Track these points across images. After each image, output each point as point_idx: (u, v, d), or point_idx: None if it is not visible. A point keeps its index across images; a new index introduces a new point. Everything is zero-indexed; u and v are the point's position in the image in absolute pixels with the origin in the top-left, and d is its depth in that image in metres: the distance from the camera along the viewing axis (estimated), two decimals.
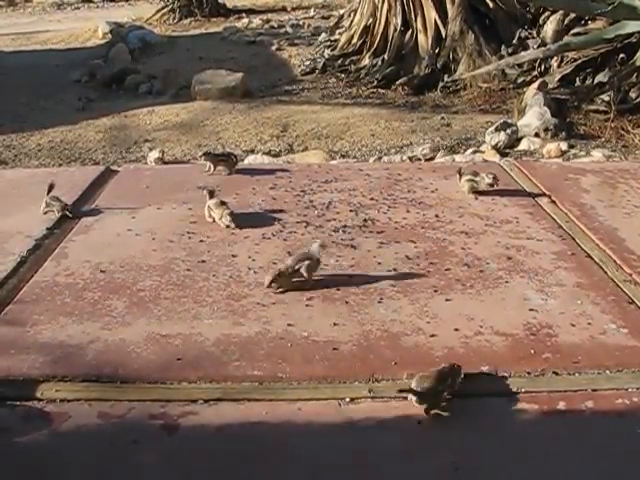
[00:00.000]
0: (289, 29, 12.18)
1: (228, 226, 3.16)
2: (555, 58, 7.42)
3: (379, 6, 8.59)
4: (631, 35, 6.67)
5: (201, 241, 3.06)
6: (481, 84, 7.63)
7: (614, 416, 1.97)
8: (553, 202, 3.42)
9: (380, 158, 5.74)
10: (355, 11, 9.29)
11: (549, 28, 7.87)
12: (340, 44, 9.25)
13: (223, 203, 3.25)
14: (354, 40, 9.00)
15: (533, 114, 6.28)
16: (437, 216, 3.28)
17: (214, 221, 3.22)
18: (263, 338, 2.34)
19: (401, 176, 3.80)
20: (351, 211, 3.35)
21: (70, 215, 3.27)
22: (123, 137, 6.89)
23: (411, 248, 2.97)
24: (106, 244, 3.04)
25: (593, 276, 2.72)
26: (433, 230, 3.14)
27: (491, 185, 3.46)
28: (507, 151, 5.79)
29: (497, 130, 5.95)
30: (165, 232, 3.15)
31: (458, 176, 3.55)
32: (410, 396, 1.98)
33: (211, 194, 3.29)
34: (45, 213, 3.29)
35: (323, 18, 13.27)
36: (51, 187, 3.34)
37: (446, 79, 7.89)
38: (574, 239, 3.03)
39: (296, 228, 3.18)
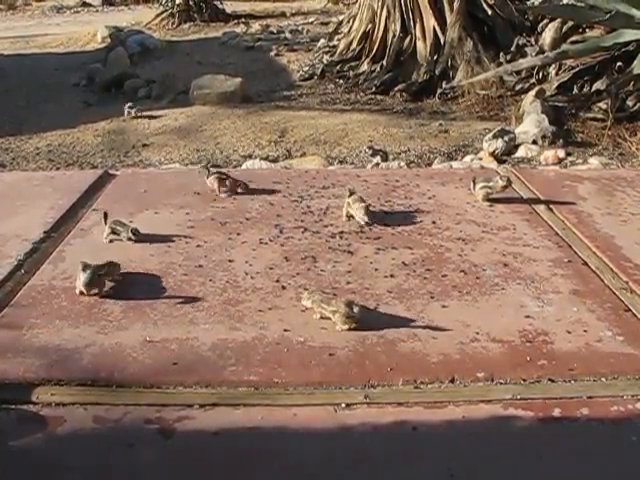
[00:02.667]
0: (288, 35, 12.19)
1: (367, 223, 3.22)
2: (553, 66, 7.43)
3: (378, 12, 8.61)
4: (628, 43, 6.69)
5: (198, 246, 3.06)
6: (479, 91, 7.64)
7: (609, 423, 1.97)
8: (550, 209, 3.43)
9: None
10: (354, 17, 9.30)
11: (547, 36, 7.89)
12: (339, 50, 9.26)
13: (362, 200, 3.29)
14: (353, 46, 9.01)
15: (531, 121, 6.29)
16: (434, 222, 3.29)
17: (349, 219, 3.28)
18: (259, 343, 2.34)
19: (398, 182, 3.81)
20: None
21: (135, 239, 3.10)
22: (121, 141, 6.89)
23: (408, 254, 2.97)
24: (103, 248, 3.04)
25: (589, 284, 2.72)
26: (430, 236, 3.15)
27: (505, 187, 3.47)
28: (505, 158, 5.80)
29: (495, 137, 5.96)
30: (162, 236, 3.15)
31: (472, 184, 3.55)
32: None
33: (351, 192, 3.33)
34: (111, 241, 3.10)
35: (322, 24, 13.28)
36: (106, 215, 3.15)
37: (444, 86, 7.90)
38: (571, 246, 3.04)
39: (293, 233, 3.18)
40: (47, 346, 2.32)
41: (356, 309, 2.41)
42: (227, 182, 3.65)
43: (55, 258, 2.96)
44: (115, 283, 2.71)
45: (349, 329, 2.40)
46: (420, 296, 2.63)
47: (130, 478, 1.82)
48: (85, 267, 2.63)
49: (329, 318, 2.43)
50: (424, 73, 8.05)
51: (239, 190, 3.65)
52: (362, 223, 3.22)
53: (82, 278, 2.62)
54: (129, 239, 3.09)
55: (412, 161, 5.92)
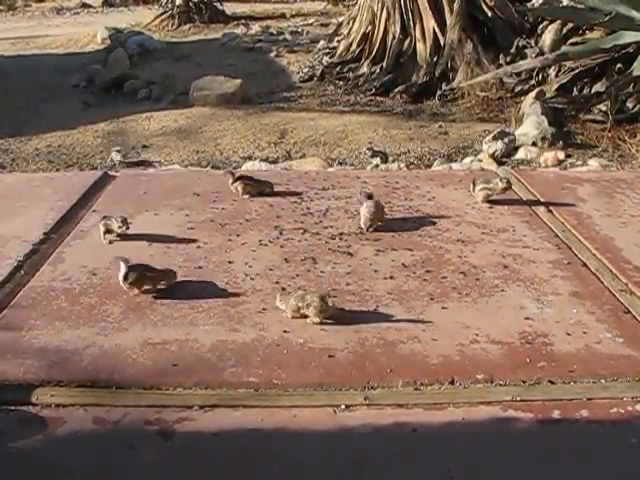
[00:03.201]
0: (288, 36, 12.19)
1: (362, 228, 3.20)
2: (553, 67, 7.43)
3: (378, 14, 8.61)
4: (628, 45, 6.69)
5: (198, 247, 3.06)
6: (479, 93, 7.64)
7: (609, 425, 1.97)
8: (550, 211, 3.43)
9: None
10: (354, 19, 9.30)
11: (547, 37, 7.89)
12: (339, 51, 9.26)
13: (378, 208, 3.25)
14: (353, 48, 9.01)
15: (530, 123, 6.29)
16: (434, 224, 3.29)
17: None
18: (259, 345, 2.34)
19: (398, 184, 3.81)
20: (348, 218, 3.35)
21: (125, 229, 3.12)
22: (121, 142, 6.87)
23: (408, 256, 2.98)
24: (103, 249, 3.04)
25: (589, 285, 2.73)
26: (430, 238, 3.15)
27: (505, 189, 3.48)
28: (504, 160, 5.79)
29: (494, 139, 5.95)
30: (162, 238, 3.15)
31: (472, 186, 3.55)
32: None
33: (369, 196, 3.30)
34: (110, 242, 3.11)
35: (322, 25, 13.29)
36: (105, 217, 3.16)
37: (444, 87, 7.90)
38: (570, 248, 3.04)
39: (293, 235, 3.18)
40: (47, 347, 2.32)
41: (330, 303, 2.44)
42: (253, 188, 3.64)
43: (55, 259, 2.96)
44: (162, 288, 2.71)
45: (321, 322, 2.43)
46: (420, 297, 2.63)
47: (130, 479, 1.82)
48: (130, 265, 2.67)
49: (305, 316, 2.46)
50: (424, 75, 8.05)
51: (266, 191, 3.64)
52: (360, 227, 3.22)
53: (122, 272, 2.66)
54: (119, 228, 3.10)
55: (412, 162, 5.92)
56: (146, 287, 2.68)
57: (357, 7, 9.35)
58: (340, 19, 11.39)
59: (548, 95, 6.96)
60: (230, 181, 3.67)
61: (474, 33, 8.13)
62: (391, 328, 2.42)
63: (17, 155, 6.62)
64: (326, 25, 13.10)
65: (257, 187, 3.64)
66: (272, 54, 10.75)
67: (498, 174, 3.90)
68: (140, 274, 2.67)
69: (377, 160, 5.78)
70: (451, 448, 1.90)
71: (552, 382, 2.16)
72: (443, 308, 2.56)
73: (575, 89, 7.09)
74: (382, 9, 8.53)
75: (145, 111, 7.93)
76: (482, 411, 2.04)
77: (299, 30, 12.78)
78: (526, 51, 7.98)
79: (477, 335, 2.38)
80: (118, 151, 6.05)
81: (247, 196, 3.61)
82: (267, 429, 1.96)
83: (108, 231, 3.13)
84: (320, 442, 1.92)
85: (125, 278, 2.66)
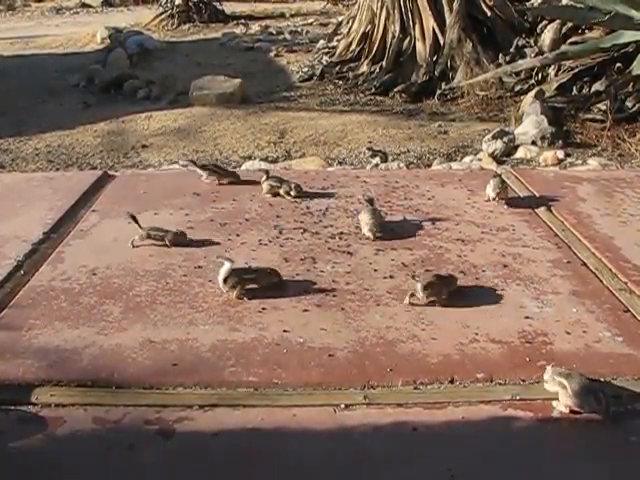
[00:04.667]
0: (287, 36, 12.21)
1: (368, 237, 3.12)
2: (552, 67, 7.45)
3: (377, 13, 8.62)
4: (628, 44, 6.70)
5: (198, 247, 3.06)
6: (478, 92, 7.65)
7: (609, 424, 1.97)
8: (549, 210, 3.43)
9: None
10: (353, 18, 9.31)
11: (547, 37, 7.90)
12: (338, 51, 9.27)
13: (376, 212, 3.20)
14: (352, 47, 9.02)
15: (530, 122, 6.30)
16: (433, 223, 3.29)
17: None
18: (259, 344, 2.34)
19: (398, 183, 3.81)
20: (348, 218, 3.36)
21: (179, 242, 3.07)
22: (121, 142, 6.89)
23: (407, 255, 2.97)
24: (103, 249, 3.04)
25: (589, 284, 2.73)
26: (429, 237, 3.15)
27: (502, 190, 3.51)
28: (504, 159, 5.80)
29: (494, 138, 5.96)
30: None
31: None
32: None
33: (370, 202, 3.27)
34: (135, 247, 3.05)
35: (322, 25, 13.31)
36: (134, 217, 3.09)
37: (444, 87, 7.91)
38: (570, 247, 3.04)
39: (293, 234, 3.18)
40: (46, 347, 2.32)
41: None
42: (280, 189, 3.62)
43: (54, 259, 2.96)
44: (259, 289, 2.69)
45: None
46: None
47: (130, 479, 1.82)
48: (231, 267, 2.64)
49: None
50: (423, 74, 8.06)
51: (292, 193, 3.61)
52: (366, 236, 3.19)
53: (223, 275, 2.64)
54: (173, 244, 3.05)
55: (411, 162, 5.92)
56: (246, 289, 2.65)
57: (357, 6, 9.36)
58: (340, 18, 11.40)
59: (548, 94, 6.97)
60: (263, 178, 3.69)
61: (474, 32, 8.14)
62: (390, 327, 2.43)
63: (16, 155, 6.62)
64: (325, 25, 13.12)
65: (283, 188, 3.63)
66: (271, 54, 10.77)
67: (497, 174, 3.89)
68: (239, 277, 2.65)
69: (377, 159, 5.79)
70: (451, 447, 1.90)
71: None
72: (443, 307, 2.56)
73: (574, 88, 7.09)
74: (382, 8, 8.54)
75: (145, 111, 7.94)
76: (482, 410, 2.04)
77: (298, 30, 12.79)
78: (525, 50, 7.99)
79: (477, 334, 2.38)
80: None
81: (269, 195, 3.62)
82: (267, 428, 1.96)
83: (151, 238, 3.07)
84: (320, 441, 1.93)
85: (225, 281, 2.64)
